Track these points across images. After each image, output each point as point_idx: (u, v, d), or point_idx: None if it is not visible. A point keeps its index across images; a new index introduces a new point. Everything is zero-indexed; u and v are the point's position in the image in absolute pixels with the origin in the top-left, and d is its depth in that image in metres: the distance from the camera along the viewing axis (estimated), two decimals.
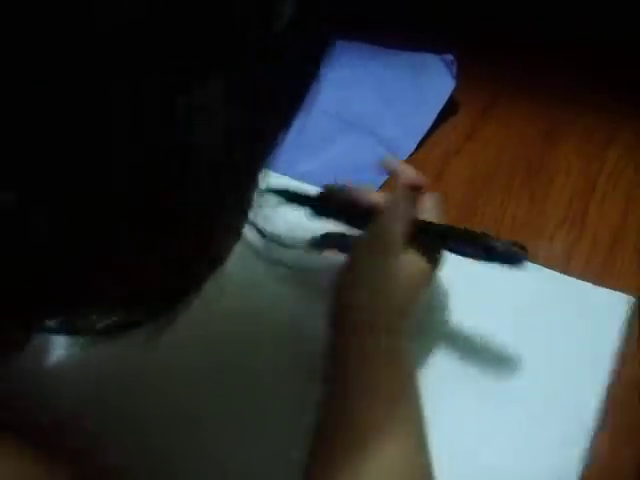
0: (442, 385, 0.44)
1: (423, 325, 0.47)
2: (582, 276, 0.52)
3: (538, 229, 0.56)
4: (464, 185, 0.61)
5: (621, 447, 0.43)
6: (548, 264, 0.53)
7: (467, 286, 0.49)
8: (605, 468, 0.42)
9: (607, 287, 0.51)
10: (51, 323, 0.27)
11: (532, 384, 0.45)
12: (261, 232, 0.40)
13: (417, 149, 0.65)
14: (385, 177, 0.61)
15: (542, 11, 0.83)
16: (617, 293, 0.50)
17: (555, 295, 0.50)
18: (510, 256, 0.41)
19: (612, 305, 0.50)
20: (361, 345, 0.40)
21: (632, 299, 0.50)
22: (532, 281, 0.49)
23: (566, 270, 0.53)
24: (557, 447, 0.42)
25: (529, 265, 0.44)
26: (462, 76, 0.70)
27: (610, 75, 0.73)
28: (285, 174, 0.61)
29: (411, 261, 0.43)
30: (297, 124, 0.72)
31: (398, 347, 0.40)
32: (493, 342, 0.47)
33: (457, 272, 0.47)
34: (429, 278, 0.45)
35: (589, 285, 0.51)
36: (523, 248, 0.41)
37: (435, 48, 0.73)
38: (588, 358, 0.46)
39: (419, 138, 0.66)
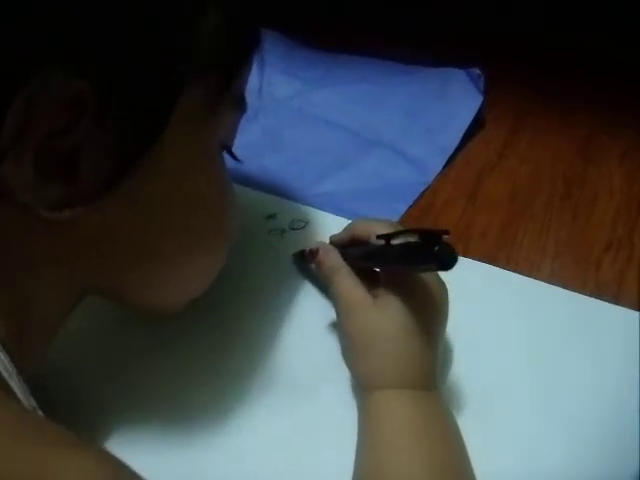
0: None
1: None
2: (636, 304, 0.47)
3: (584, 254, 0.52)
4: (501, 206, 0.57)
5: None
6: (598, 292, 0.48)
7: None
8: None
9: None
10: None
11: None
12: None
13: (447, 168, 0.61)
14: (414, 198, 0.57)
15: (571, 21, 0.80)
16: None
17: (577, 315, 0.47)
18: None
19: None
20: (394, 413, 0.37)
21: None
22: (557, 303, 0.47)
23: (617, 298, 0.48)
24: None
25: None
26: (488, 90, 0.66)
27: None
28: (305, 196, 0.57)
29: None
30: (316, 143, 0.68)
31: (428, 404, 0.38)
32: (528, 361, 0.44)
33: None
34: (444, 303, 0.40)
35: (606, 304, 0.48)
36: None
37: (459, 62, 0.69)
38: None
39: (447, 156, 0.62)
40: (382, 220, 0.44)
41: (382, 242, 0.39)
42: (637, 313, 0.47)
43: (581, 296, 0.48)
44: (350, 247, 0.44)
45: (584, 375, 0.43)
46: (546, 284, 0.49)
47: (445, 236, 0.33)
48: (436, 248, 0.32)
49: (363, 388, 0.39)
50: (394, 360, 0.38)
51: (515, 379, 0.43)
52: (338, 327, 0.42)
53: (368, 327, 0.38)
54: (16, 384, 0.29)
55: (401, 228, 0.42)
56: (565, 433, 0.40)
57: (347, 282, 0.41)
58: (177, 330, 0.45)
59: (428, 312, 0.38)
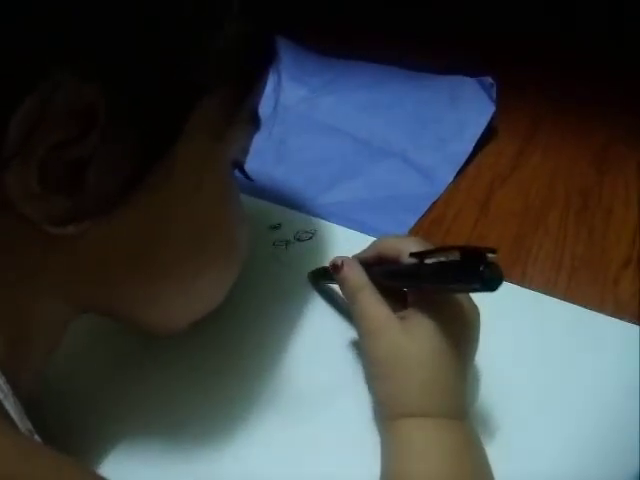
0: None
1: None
2: None
3: (601, 271, 0.50)
4: (514, 219, 0.55)
5: None
6: (617, 311, 0.46)
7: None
8: None
9: None
10: None
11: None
12: None
13: (458, 178, 0.59)
14: (424, 209, 0.55)
15: (582, 25, 0.78)
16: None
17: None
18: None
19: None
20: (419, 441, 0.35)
21: None
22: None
23: (637, 317, 0.46)
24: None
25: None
26: (500, 99, 0.64)
27: None
28: (311, 206, 0.55)
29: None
30: (323, 151, 0.66)
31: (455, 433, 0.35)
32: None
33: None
34: (476, 326, 0.37)
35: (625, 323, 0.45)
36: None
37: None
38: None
39: (458, 166, 0.60)
40: (410, 237, 0.42)
41: (414, 260, 0.36)
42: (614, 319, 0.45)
43: (600, 315, 0.46)
44: (375, 265, 0.41)
45: (592, 387, 0.41)
46: (564, 302, 0.47)
47: (490, 255, 0.30)
48: (481, 268, 0.30)
49: (387, 414, 0.37)
50: (424, 388, 0.35)
51: (524, 393, 0.41)
52: (362, 350, 0.39)
53: (395, 350, 0.36)
54: (11, 406, 0.28)
55: (431, 246, 0.39)
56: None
57: (372, 301, 0.38)
58: (175, 345, 0.43)
59: (459, 336, 0.36)
